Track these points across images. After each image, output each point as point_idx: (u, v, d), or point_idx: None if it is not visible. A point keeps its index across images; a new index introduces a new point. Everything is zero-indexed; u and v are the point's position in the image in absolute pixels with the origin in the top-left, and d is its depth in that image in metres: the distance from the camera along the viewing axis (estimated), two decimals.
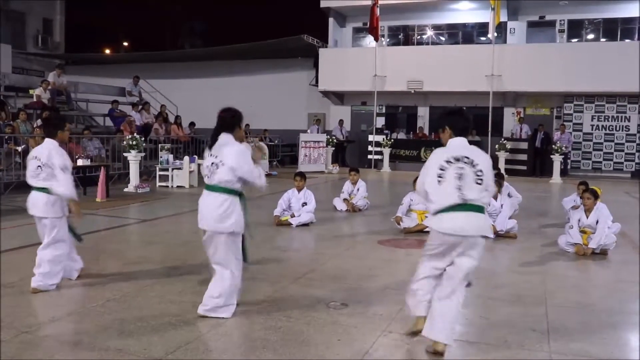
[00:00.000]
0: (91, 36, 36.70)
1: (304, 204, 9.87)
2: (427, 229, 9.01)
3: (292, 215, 9.76)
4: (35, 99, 17.37)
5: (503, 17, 22.74)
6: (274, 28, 28.64)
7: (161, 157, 15.91)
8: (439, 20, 25.74)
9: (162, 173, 15.62)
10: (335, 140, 22.49)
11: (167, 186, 15.32)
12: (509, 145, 20.64)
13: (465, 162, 4.22)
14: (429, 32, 26.30)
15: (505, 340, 4.61)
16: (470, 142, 4.39)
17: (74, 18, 31.72)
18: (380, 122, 24.84)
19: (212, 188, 4.93)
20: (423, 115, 25.20)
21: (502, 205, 9.19)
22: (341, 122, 24.43)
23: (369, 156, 23.24)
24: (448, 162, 4.26)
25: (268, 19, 34.48)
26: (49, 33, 29.77)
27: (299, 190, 10.01)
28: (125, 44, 41.22)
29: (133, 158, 14.34)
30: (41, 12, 29.39)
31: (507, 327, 4.93)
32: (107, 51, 36.53)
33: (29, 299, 5.47)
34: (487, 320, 5.14)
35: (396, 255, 7.91)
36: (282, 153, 24.09)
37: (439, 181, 4.27)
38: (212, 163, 4.89)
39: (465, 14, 24.86)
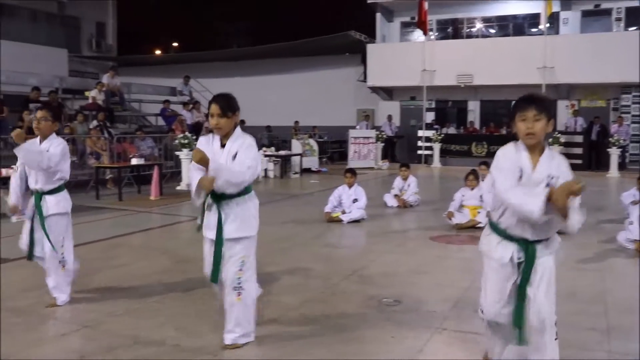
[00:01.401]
0: (142, 38, 37.37)
1: (355, 200, 9.83)
2: (479, 225, 8.95)
3: (343, 212, 9.74)
4: (90, 101, 17.79)
5: (555, 7, 22.22)
6: (321, 25, 28.63)
7: None
8: (489, 12, 25.33)
9: None
10: (384, 136, 22.37)
11: None
12: (563, 139, 20.15)
13: None
14: (479, 25, 25.92)
15: (565, 338, 4.52)
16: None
17: (125, 21, 32.35)
18: (429, 117, 24.60)
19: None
20: (473, 110, 24.86)
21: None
22: (390, 117, 24.29)
23: (419, 151, 23.05)
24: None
25: (315, 17, 34.47)
26: (102, 36, 30.43)
27: (350, 186, 9.98)
28: (175, 44, 41.85)
29: (185, 156, 14.54)
30: (94, 17, 30.06)
31: (564, 325, 4.82)
32: (158, 52, 37.12)
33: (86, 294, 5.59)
34: None
35: (448, 251, 7.83)
36: (331, 149, 24.10)
37: None
38: None
39: (516, 5, 24.40)
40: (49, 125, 5.18)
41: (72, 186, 12.98)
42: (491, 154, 20.97)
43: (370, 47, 24.86)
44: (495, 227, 3.63)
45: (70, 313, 5.08)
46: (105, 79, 19.35)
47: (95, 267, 6.31)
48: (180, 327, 4.72)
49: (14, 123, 14.32)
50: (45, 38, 25.97)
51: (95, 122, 15.30)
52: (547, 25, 21.60)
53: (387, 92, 25.80)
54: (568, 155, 19.98)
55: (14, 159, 12.59)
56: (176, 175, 15.53)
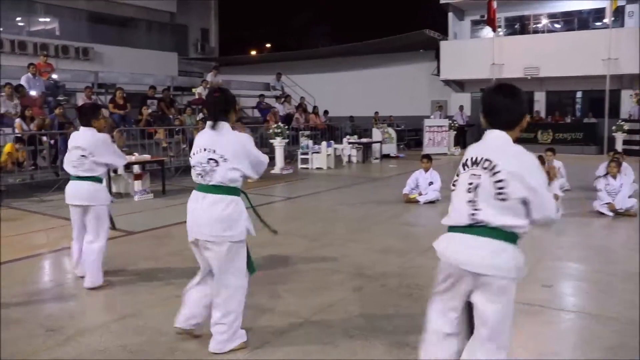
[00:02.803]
0: (240, 41, 37.95)
1: (431, 183, 9.73)
2: None
3: (420, 194, 9.66)
4: (197, 96, 18.25)
5: (621, 1, 20.98)
6: (397, 24, 28.24)
7: (302, 142, 16.29)
8: (555, 8, 24.25)
9: (303, 157, 15.97)
10: (456, 125, 21.93)
11: (307, 168, 15.65)
12: (626, 127, 19.11)
13: (485, 168, 2.66)
14: (544, 21, 24.89)
15: (625, 315, 4.35)
16: (585, 124, 2.85)
17: (225, 27, 33.03)
18: None
19: (209, 189, 3.60)
20: (539, 100, 23.95)
21: (621, 185, 8.61)
22: (461, 107, 23.79)
23: None
24: (464, 165, 2.80)
25: (392, 17, 34.06)
26: (206, 40, 31.19)
27: (426, 170, 9.87)
28: (268, 45, 42.31)
29: (278, 144, 14.80)
30: (199, 24, 30.85)
31: (624, 302, 4.64)
32: (253, 53, 37.67)
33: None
34: (605, 295, 4.87)
35: None
36: (407, 137, 23.83)
37: (452, 189, 2.85)
38: (210, 159, 3.56)
39: (581, 1, 23.26)
40: None
41: (182, 171, 13.53)
42: (556, 141, 20.29)
43: (443, 44, 24.40)
44: None
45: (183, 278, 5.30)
46: (209, 77, 19.79)
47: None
48: (275, 294, 4.84)
49: (136, 116, 14.97)
50: (159, 44, 26.93)
51: (201, 115, 15.71)
52: (612, 18, 20.45)
53: (459, 85, 25.27)
54: (631, 142, 19.19)
55: (135, 147, 13.14)
56: (271, 161, 15.77)
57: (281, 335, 3.93)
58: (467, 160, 2.75)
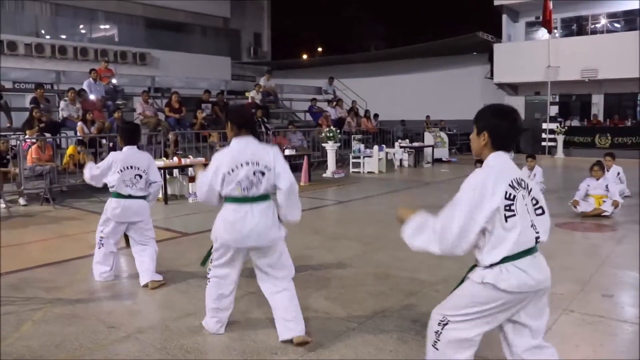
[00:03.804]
0: (292, 45, 38.26)
1: None
2: (604, 213, 8.40)
3: None
4: (250, 100, 18.51)
5: None
6: (449, 27, 27.89)
7: (354, 146, 16.28)
8: (614, 8, 23.48)
9: (354, 160, 15.96)
10: None
11: (359, 172, 15.62)
12: None
13: (524, 188, 2.67)
14: (603, 21, 24.12)
15: None
16: None
17: (278, 31, 33.36)
18: (553, 110, 23.28)
19: (260, 199, 3.78)
20: (597, 103, 23.25)
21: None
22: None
23: (543, 143, 21.92)
24: (514, 187, 2.61)
25: (444, 19, 33.69)
26: (259, 45, 31.60)
27: None
28: (320, 49, 42.51)
29: (330, 148, 14.83)
30: (252, 28, 31.28)
31: None
32: (305, 57, 37.92)
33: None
34: None
35: (573, 237, 7.41)
36: (460, 141, 23.50)
37: (509, 215, 2.57)
38: (257, 172, 3.73)
39: None
40: None
41: None
42: (615, 145, 19.66)
43: (496, 47, 23.99)
44: None
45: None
46: (262, 81, 20.05)
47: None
48: (330, 297, 4.84)
49: (190, 120, 15.27)
50: (213, 49, 27.43)
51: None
52: None
53: (513, 88, 24.77)
54: None
55: (189, 150, 13.41)
56: (322, 164, 15.84)
57: (336, 338, 3.93)
58: (512, 181, 2.62)
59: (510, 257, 2.59)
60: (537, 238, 2.66)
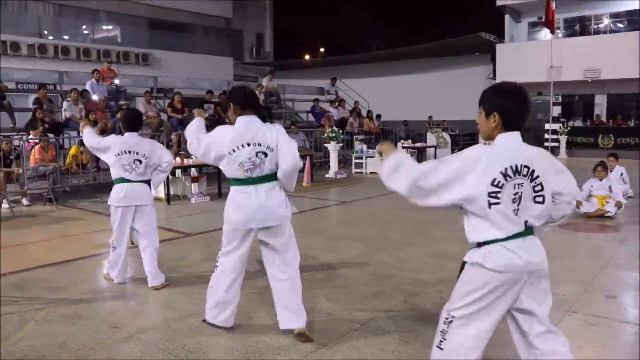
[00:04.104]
0: (294, 45, 38.27)
1: None
2: (607, 214, 8.39)
3: None
4: None
5: None
6: (452, 27, 27.90)
7: (356, 147, 16.28)
8: (617, 8, 23.44)
9: (357, 161, 15.97)
10: None
11: (362, 172, 15.63)
12: None
13: (524, 175, 2.58)
14: (606, 21, 24.07)
15: None
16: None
17: (280, 31, 33.37)
18: (556, 111, 23.26)
19: (261, 180, 3.74)
20: (600, 103, 23.21)
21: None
22: None
23: (545, 144, 21.84)
24: (505, 176, 2.54)
25: (446, 20, 33.69)
26: (261, 45, 31.61)
27: None
28: (322, 49, 42.51)
29: (332, 148, 14.83)
30: (254, 29, 31.30)
31: None
32: (307, 57, 37.93)
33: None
34: None
35: (576, 238, 7.40)
36: (462, 141, 23.49)
37: (494, 202, 2.55)
38: (259, 152, 3.69)
39: None
40: None
41: None
42: (618, 146, 19.59)
43: (499, 47, 23.96)
44: None
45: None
46: (264, 81, 20.06)
47: None
48: (332, 298, 4.84)
49: None
50: (215, 49, 27.46)
51: None
52: None
53: None
54: None
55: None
56: (325, 165, 15.84)
57: (338, 339, 3.93)
58: (506, 169, 2.55)
59: (498, 240, 2.57)
60: (525, 222, 2.60)
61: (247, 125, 3.74)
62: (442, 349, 2.73)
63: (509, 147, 2.60)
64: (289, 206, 3.85)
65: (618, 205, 8.53)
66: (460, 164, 2.56)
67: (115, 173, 5.25)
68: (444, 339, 2.71)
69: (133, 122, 5.43)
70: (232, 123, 3.84)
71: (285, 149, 3.73)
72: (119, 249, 5.30)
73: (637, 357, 3.73)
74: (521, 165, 2.57)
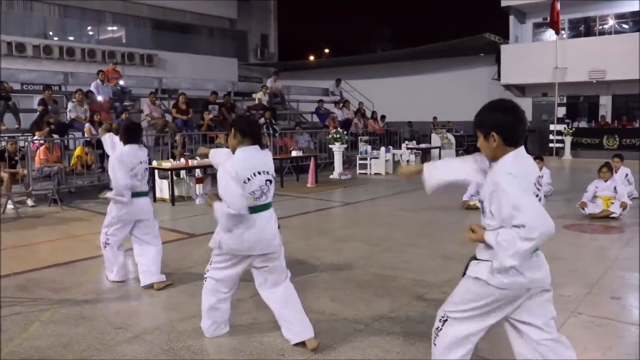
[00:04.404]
0: (299, 46, 38.29)
1: None
2: (612, 215, 8.36)
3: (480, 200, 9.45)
4: (257, 101, 18.52)
5: None
6: (456, 28, 27.88)
7: (360, 148, 16.28)
8: (623, 8, 23.36)
9: (361, 162, 15.96)
10: None
11: (366, 173, 15.62)
12: None
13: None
14: (611, 22, 24.00)
15: None
16: None
17: (284, 33, 33.39)
18: (561, 111, 23.22)
19: (266, 207, 3.77)
20: (605, 104, 23.15)
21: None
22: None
23: (550, 144, 21.84)
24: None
25: (451, 21, 33.67)
26: (266, 46, 31.64)
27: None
28: (327, 50, 42.52)
29: (337, 149, 14.83)
30: (259, 30, 31.34)
31: None
32: (312, 58, 37.92)
33: None
34: None
35: (581, 239, 7.38)
36: (467, 142, 23.45)
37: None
38: (267, 180, 3.72)
39: None
40: None
41: None
42: (623, 147, 19.52)
43: (504, 48, 23.92)
44: None
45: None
46: (269, 82, 20.05)
47: None
48: (337, 299, 4.84)
49: (198, 121, 15.30)
50: (220, 50, 27.51)
51: (262, 120, 15.94)
52: None
53: (520, 89, 24.69)
54: None
55: (196, 151, 13.42)
56: (329, 166, 15.84)
57: (342, 340, 3.93)
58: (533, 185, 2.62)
59: None
60: None
61: (254, 154, 3.72)
62: (435, 345, 2.81)
63: (523, 169, 2.58)
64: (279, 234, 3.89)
65: (623, 206, 8.50)
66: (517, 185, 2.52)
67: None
68: (437, 336, 2.79)
69: (133, 133, 5.37)
70: (231, 149, 3.83)
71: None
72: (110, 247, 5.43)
73: None
74: (537, 178, 2.62)
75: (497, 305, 2.65)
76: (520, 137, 2.66)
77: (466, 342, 2.74)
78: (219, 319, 4.03)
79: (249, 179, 3.61)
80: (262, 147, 3.83)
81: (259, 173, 3.66)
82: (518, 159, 2.60)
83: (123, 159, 5.14)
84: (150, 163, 5.38)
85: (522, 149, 2.66)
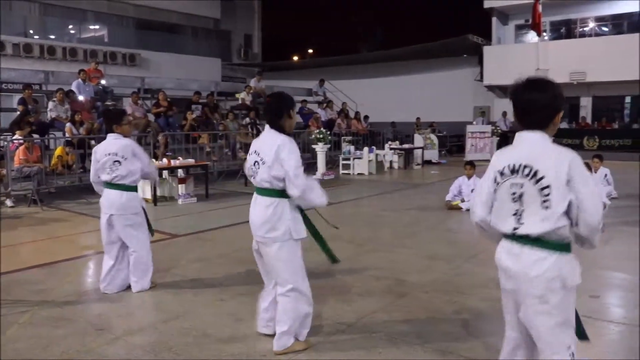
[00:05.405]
0: (282, 46, 38.25)
1: (473, 190, 9.59)
2: None
3: (462, 200, 9.55)
4: (240, 102, 18.46)
5: None
6: (440, 30, 28.04)
7: (344, 148, 16.30)
8: (603, 11, 23.66)
9: (344, 162, 15.98)
10: (499, 131, 21.56)
11: (349, 173, 15.64)
12: None
13: (527, 175, 2.53)
14: (592, 24, 24.31)
15: None
16: (633, 131, 2.62)
17: (268, 33, 33.35)
18: None
19: (260, 191, 3.72)
20: (585, 105, 23.42)
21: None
22: (505, 113, 23.35)
23: None
24: (501, 173, 2.63)
25: (435, 23, 33.86)
26: (249, 46, 31.57)
27: (469, 177, 9.74)
28: (310, 51, 42.52)
29: (320, 149, 14.82)
30: (243, 30, 31.26)
31: None
32: (296, 58, 37.90)
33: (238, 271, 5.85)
34: None
35: None
36: (450, 143, 23.60)
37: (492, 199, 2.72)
38: (256, 162, 3.68)
39: (632, 3, 22.56)
40: None
41: (225, 175, 13.68)
42: (603, 147, 19.75)
43: (486, 49, 24.10)
44: None
45: (229, 281, 5.34)
46: (252, 82, 19.99)
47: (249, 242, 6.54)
48: (321, 299, 4.84)
49: (180, 121, 15.22)
50: (203, 50, 27.41)
51: (247, 120, 15.87)
52: None
53: (502, 90, 24.87)
54: None
55: (179, 151, 13.37)
56: (312, 166, 15.83)
57: (326, 340, 3.93)
58: (503, 168, 2.60)
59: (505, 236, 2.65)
60: (514, 229, 2.56)
61: (264, 134, 3.77)
62: None
63: (514, 146, 2.74)
64: (278, 229, 3.63)
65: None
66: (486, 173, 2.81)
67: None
68: None
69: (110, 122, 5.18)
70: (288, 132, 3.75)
71: (283, 165, 3.58)
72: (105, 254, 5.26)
73: (622, 356, 3.78)
74: (519, 165, 2.61)
75: (505, 290, 2.80)
76: (541, 121, 2.79)
77: (508, 341, 2.96)
78: (263, 316, 4.00)
79: (249, 155, 3.77)
80: (280, 130, 3.67)
81: (252, 152, 3.73)
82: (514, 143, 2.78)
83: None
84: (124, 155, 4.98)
85: (525, 133, 2.73)
